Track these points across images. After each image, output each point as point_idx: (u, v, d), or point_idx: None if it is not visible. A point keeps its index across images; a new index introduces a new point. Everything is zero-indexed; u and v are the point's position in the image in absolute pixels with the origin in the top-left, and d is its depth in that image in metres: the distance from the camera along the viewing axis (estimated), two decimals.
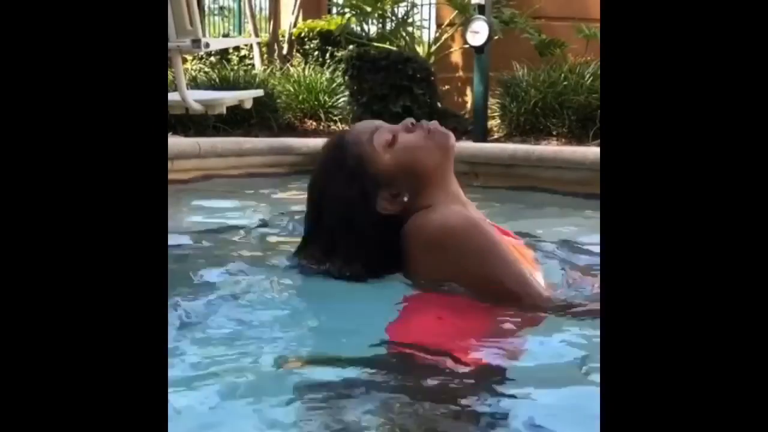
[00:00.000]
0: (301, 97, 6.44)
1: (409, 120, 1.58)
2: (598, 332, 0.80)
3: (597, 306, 1.31)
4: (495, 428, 1.04)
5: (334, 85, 6.53)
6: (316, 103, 6.44)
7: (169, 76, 4.51)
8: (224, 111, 4.50)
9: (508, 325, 1.37)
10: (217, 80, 6.41)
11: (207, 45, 4.16)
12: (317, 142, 4.25)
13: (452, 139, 1.59)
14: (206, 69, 7.11)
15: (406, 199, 1.53)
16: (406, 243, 1.51)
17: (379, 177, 1.54)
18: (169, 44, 4.07)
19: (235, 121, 5.81)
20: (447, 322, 1.40)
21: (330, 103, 6.46)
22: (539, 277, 1.52)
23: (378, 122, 1.64)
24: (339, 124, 6.34)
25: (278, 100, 6.28)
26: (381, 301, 1.51)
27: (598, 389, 0.77)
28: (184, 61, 5.92)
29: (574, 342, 1.30)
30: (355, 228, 1.55)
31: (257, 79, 6.39)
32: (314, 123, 6.44)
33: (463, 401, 1.10)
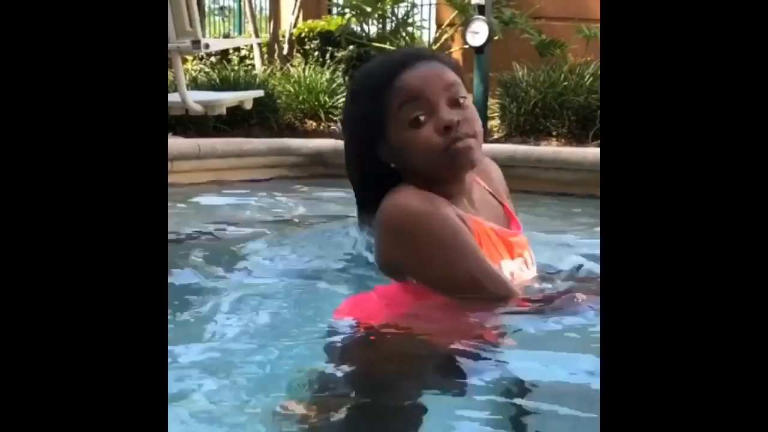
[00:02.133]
0: (301, 98, 6.43)
1: (449, 123, 1.39)
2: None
3: (561, 303, 1.35)
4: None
5: (335, 85, 6.52)
6: (316, 103, 6.43)
7: (169, 77, 4.51)
8: (224, 112, 4.51)
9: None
10: (218, 80, 6.41)
11: (207, 46, 4.18)
12: (317, 143, 4.26)
13: (472, 164, 1.45)
14: (207, 69, 7.11)
15: (393, 165, 1.46)
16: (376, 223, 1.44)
17: (388, 138, 1.45)
18: (169, 45, 4.08)
19: (234, 122, 5.81)
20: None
21: (330, 104, 6.45)
22: (520, 270, 1.48)
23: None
24: (339, 124, 6.34)
25: (278, 101, 6.27)
26: None
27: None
28: (184, 61, 5.92)
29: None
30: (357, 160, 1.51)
31: (257, 80, 6.39)
32: (314, 123, 6.43)
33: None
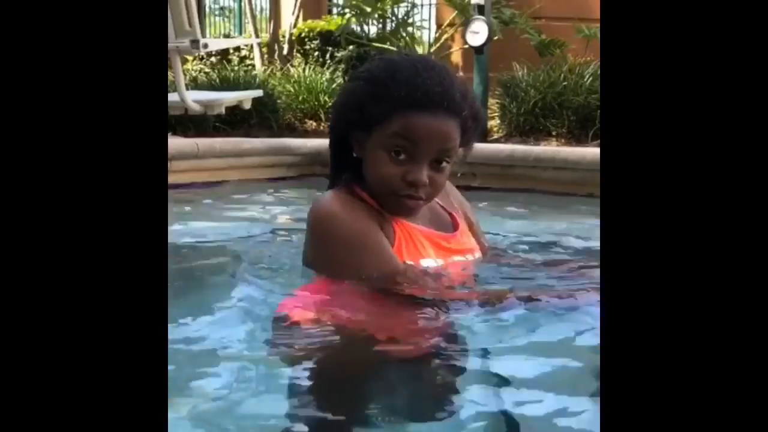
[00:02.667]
0: (301, 98, 6.44)
1: (415, 182, 1.43)
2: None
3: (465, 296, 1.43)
4: None
5: (334, 85, 6.52)
6: (316, 103, 6.44)
7: (169, 77, 4.51)
8: (223, 111, 4.51)
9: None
10: (218, 81, 6.42)
11: (206, 45, 4.17)
12: (316, 143, 4.24)
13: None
14: (207, 69, 7.12)
15: (355, 155, 1.52)
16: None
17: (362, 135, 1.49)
18: (168, 45, 4.08)
19: (235, 122, 5.81)
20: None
21: (330, 104, 6.46)
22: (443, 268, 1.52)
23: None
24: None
25: (278, 101, 6.28)
26: None
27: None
28: (184, 61, 5.93)
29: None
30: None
31: (257, 80, 6.40)
32: (314, 123, 6.44)
33: None
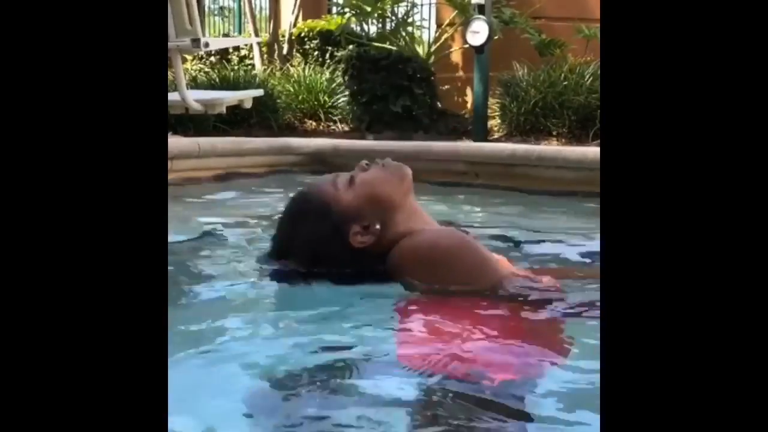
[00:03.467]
0: (301, 97, 6.44)
1: (364, 161, 1.70)
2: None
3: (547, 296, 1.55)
4: None
5: (334, 84, 6.53)
6: (316, 103, 6.44)
7: (169, 76, 4.51)
8: (224, 111, 4.51)
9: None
10: (217, 80, 6.42)
11: (206, 44, 4.17)
12: (318, 142, 4.25)
13: (406, 168, 1.70)
14: (206, 69, 7.12)
15: (378, 227, 1.61)
16: (397, 266, 1.59)
17: (346, 213, 1.62)
18: (169, 44, 4.08)
19: (235, 121, 5.82)
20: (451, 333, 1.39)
21: (330, 103, 6.46)
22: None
23: (335, 174, 1.72)
24: (339, 124, 6.34)
25: (278, 100, 6.28)
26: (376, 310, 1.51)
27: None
28: (184, 61, 5.91)
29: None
30: (332, 258, 1.64)
31: (257, 79, 6.40)
32: (314, 123, 6.44)
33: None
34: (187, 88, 5.53)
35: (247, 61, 7.56)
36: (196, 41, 4.09)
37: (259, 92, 5.05)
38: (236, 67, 7.03)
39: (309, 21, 7.76)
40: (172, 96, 4.13)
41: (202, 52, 4.72)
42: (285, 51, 7.54)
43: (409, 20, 7.04)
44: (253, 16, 8.13)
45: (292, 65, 7.12)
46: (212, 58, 7.61)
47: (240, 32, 10.24)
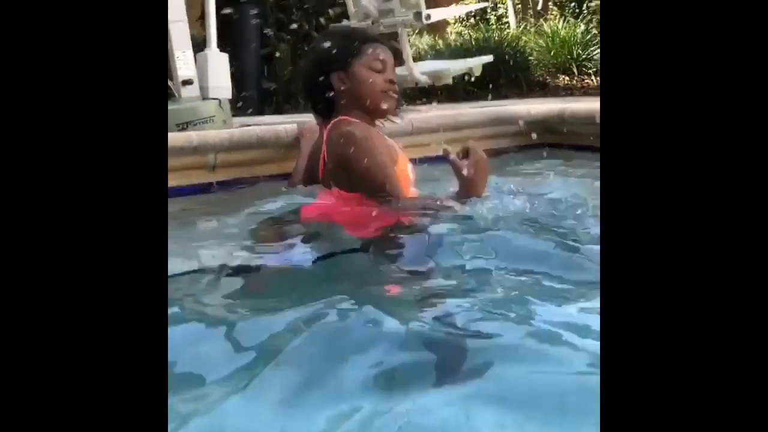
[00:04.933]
0: (553, 52, 6.28)
1: (393, 79, 2.04)
2: None
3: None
4: None
5: (589, 36, 6.27)
6: (568, 56, 6.24)
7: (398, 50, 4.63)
8: (450, 81, 4.52)
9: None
10: (473, 43, 6.46)
11: (428, 17, 4.21)
12: (541, 109, 3.68)
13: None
14: (466, 31, 7.20)
15: (343, 88, 2.00)
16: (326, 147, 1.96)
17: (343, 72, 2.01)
18: (395, 19, 4.20)
19: (485, 83, 5.77)
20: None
21: (584, 56, 6.22)
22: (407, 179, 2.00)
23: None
24: (593, 77, 6.09)
25: (530, 57, 6.18)
26: None
27: None
28: (420, 32, 6.03)
29: None
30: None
31: (509, 37, 6.33)
32: (567, 78, 6.25)
33: None
34: (441, 58, 5.59)
35: (504, 20, 7.52)
36: (418, 15, 4.16)
37: (489, 58, 4.88)
38: (493, 26, 7.03)
39: None
40: (400, 71, 4.24)
41: (424, 24, 4.72)
42: (539, 6, 7.38)
43: None
44: None
45: (545, 20, 6.95)
46: (471, 20, 7.68)
47: None
